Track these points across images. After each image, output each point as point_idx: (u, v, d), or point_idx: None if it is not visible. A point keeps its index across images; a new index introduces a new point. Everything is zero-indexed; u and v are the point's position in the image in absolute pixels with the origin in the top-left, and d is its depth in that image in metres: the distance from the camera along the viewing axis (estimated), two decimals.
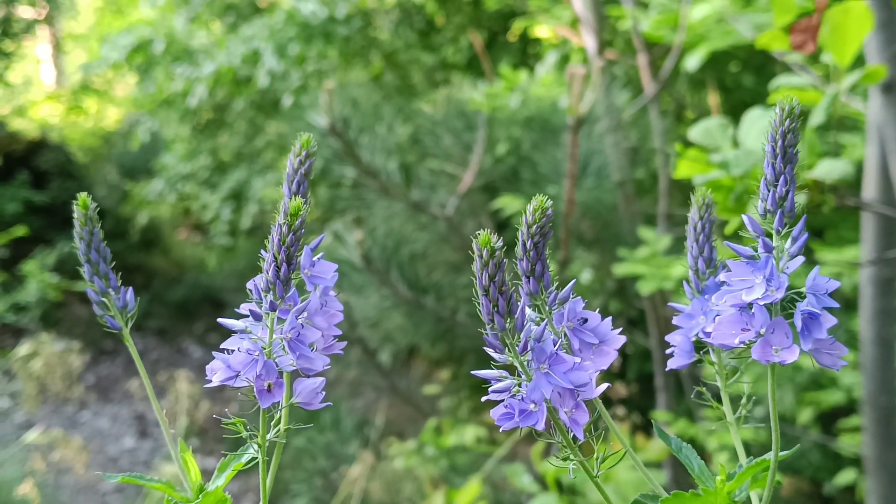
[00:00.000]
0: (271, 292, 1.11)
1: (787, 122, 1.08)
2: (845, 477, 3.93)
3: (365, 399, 5.75)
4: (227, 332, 1.14)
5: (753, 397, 1.23)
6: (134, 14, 10.44)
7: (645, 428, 4.84)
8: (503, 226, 4.76)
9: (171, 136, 8.33)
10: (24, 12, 10.40)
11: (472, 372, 1.09)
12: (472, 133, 4.96)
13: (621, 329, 1.20)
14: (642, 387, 5.14)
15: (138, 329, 9.19)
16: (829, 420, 4.34)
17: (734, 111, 3.57)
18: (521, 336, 1.04)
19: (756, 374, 3.98)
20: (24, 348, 5.90)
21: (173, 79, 7.07)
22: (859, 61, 2.36)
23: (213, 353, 1.12)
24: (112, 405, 8.02)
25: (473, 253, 1.03)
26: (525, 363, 1.05)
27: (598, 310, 1.19)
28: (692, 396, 1.29)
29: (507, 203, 4.44)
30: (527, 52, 6.44)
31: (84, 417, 7.73)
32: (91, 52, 11.57)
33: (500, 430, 1.04)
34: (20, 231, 7.80)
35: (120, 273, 1.32)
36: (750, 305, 1.07)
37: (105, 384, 8.39)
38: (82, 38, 12.95)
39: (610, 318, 1.17)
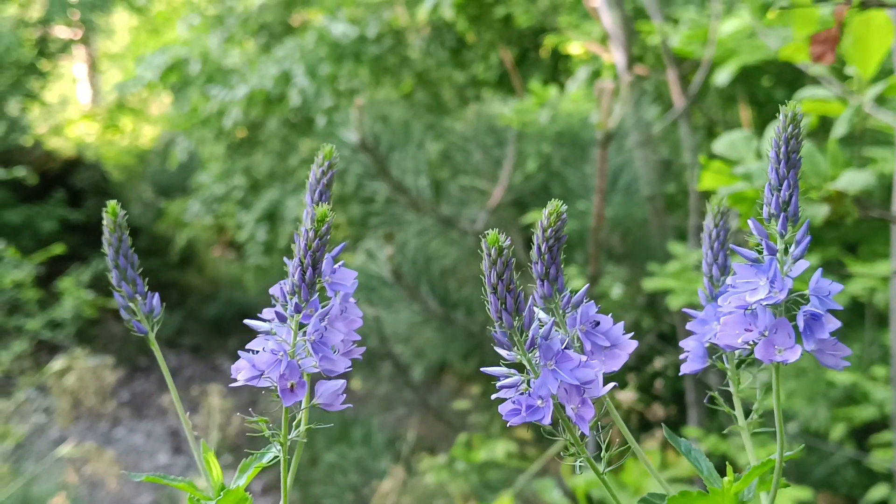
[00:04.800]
0: (296, 295, 1.15)
1: (790, 128, 1.10)
2: (878, 492, 3.91)
3: (396, 414, 5.77)
4: None
5: (766, 399, 1.24)
6: (169, 34, 10.55)
7: None
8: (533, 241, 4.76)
9: (207, 155, 8.40)
10: (61, 32, 10.53)
11: (482, 369, 1.12)
12: (501, 149, 4.98)
13: (635, 340, 1.22)
14: (675, 405, 5.13)
15: (173, 346, 9.26)
16: (863, 435, 4.32)
17: (766, 126, 3.58)
18: (529, 333, 1.07)
19: (787, 389, 3.97)
20: (57, 363, 5.95)
21: (208, 99, 7.13)
22: (887, 73, 2.36)
23: (238, 353, 1.16)
24: (146, 421, 8.08)
25: (482, 252, 1.06)
26: (532, 360, 1.08)
27: (617, 322, 1.21)
28: (705, 402, 1.31)
29: (537, 218, 4.45)
30: (557, 69, 6.46)
31: (119, 433, 7.80)
32: (126, 72, 11.70)
33: (508, 426, 1.07)
34: (58, 249, 7.86)
35: (155, 290, 1.36)
36: (754, 307, 1.09)
37: (139, 400, 8.46)
38: (118, 58, 13.10)
39: (622, 322, 1.19)
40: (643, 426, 5.11)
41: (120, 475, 5.04)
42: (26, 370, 7.23)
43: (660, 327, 4.84)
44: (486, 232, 1.05)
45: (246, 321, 1.19)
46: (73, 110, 13.34)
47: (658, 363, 4.96)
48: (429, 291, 4.53)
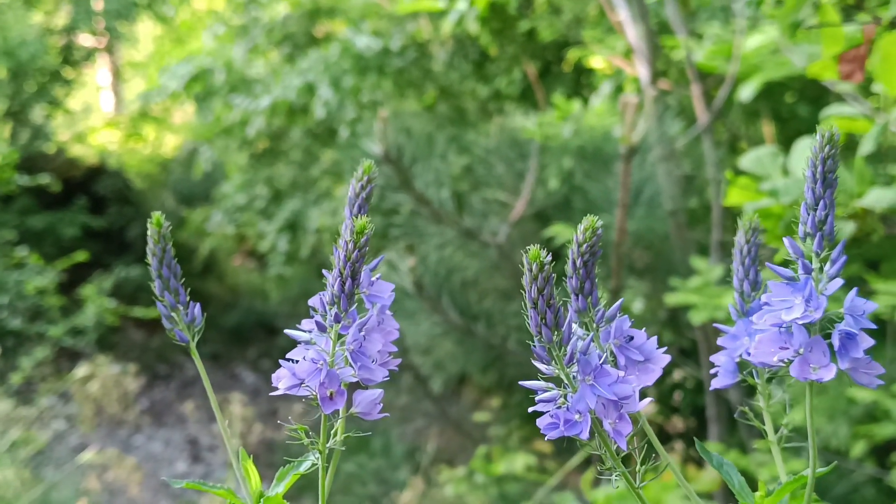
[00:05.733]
0: (336, 305, 1.17)
1: (826, 149, 1.13)
2: None
3: (415, 425, 5.78)
4: (280, 359, 1.21)
5: (791, 410, 1.26)
6: (193, 43, 10.59)
7: (696, 460, 4.84)
8: (555, 255, 4.73)
9: (231, 165, 8.44)
10: (85, 40, 10.60)
11: (521, 383, 1.14)
12: (524, 162, 4.99)
13: (667, 353, 1.24)
14: (694, 418, 5.13)
15: None
16: (884, 453, 4.31)
17: (789, 141, 3.57)
18: (568, 348, 1.09)
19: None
20: (81, 370, 5.99)
21: (231, 108, 7.16)
22: None
23: (279, 363, 1.18)
24: (165, 429, 8.10)
25: (524, 267, 1.07)
26: (571, 374, 1.09)
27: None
28: (735, 416, 1.33)
29: (559, 231, 4.46)
30: (580, 82, 6.47)
31: (138, 441, 7.82)
32: (150, 80, 11.74)
33: (546, 439, 1.09)
34: (81, 256, 7.92)
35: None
36: (790, 325, 1.11)
37: (158, 408, 8.49)
38: (141, 66, 13.15)
39: (655, 337, 1.21)
40: (662, 439, 5.11)
41: (142, 482, 5.06)
42: (47, 377, 7.27)
43: (681, 342, 4.84)
44: (527, 248, 1.07)
45: (286, 331, 1.22)
46: (96, 118, 13.40)
47: (677, 375, 4.96)
48: (450, 303, 4.54)
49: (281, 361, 1.18)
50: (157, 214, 1.30)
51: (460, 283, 4.83)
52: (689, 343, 4.82)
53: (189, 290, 1.41)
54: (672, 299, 3.75)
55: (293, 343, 1.22)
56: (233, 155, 8.10)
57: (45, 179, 7.90)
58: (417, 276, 4.34)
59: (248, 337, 9.71)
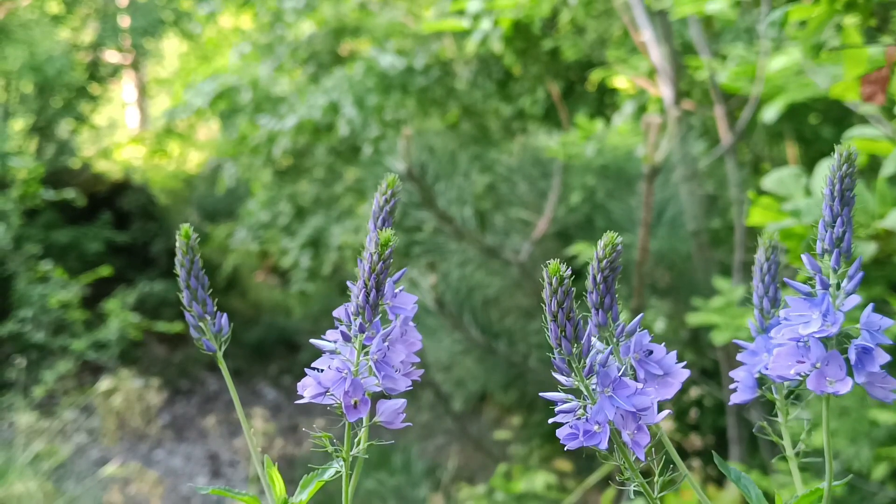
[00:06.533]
0: (360, 316, 1.19)
1: (844, 167, 1.14)
2: None
3: (436, 443, 5.78)
4: (301, 375, 1.23)
5: (812, 432, 1.27)
6: (218, 60, 10.65)
7: (716, 479, 4.82)
8: (577, 273, 4.75)
9: (254, 181, 8.48)
10: (111, 57, 10.67)
11: (541, 394, 1.15)
12: (547, 181, 5.00)
13: (687, 370, 1.25)
14: (716, 439, 5.11)
15: (214, 369, 9.32)
16: None
17: (813, 163, 3.57)
18: (587, 361, 1.11)
19: (830, 428, 3.94)
20: (104, 384, 6.02)
21: (257, 127, 7.21)
22: None
23: (305, 371, 1.20)
24: (186, 444, 8.12)
25: (544, 281, 1.09)
26: (590, 386, 1.11)
27: None
28: (754, 431, 1.34)
29: (581, 250, 4.47)
30: (604, 102, 6.48)
31: (158, 456, 7.84)
32: (175, 97, 11.79)
33: (565, 449, 1.10)
34: (105, 271, 7.98)
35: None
36: (807, 340, 1.12)
37: (180, 423, 8.50)
38: (167, 83, 13.21)
39: (675, 351, 1.22)
40: (680, 456, 5.09)
41: (163, 497, 5.09)
42: (70, 390, 7.31)
43: (702, 363, 4.83)
44: (546, 262, 1.09)
45: (312, 340, 1.24)
46: (121, 134, 13.48)
47: (693, 392, 4.95)
48: (471, 321, 4.55)
49: (306, 370, 1.20)
50: (185, 226, 1.32)
51: (482, 301, 4.83)
52: (710, 363, 4.81)
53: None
54: (694, 319, 3.75)
55: (315, 359, 1.24)
56: (257, 172, 8.14)
57: (70, 194, 7.97)
58: (439, 294, 4.36)
59: (270, 353, 9.73)
